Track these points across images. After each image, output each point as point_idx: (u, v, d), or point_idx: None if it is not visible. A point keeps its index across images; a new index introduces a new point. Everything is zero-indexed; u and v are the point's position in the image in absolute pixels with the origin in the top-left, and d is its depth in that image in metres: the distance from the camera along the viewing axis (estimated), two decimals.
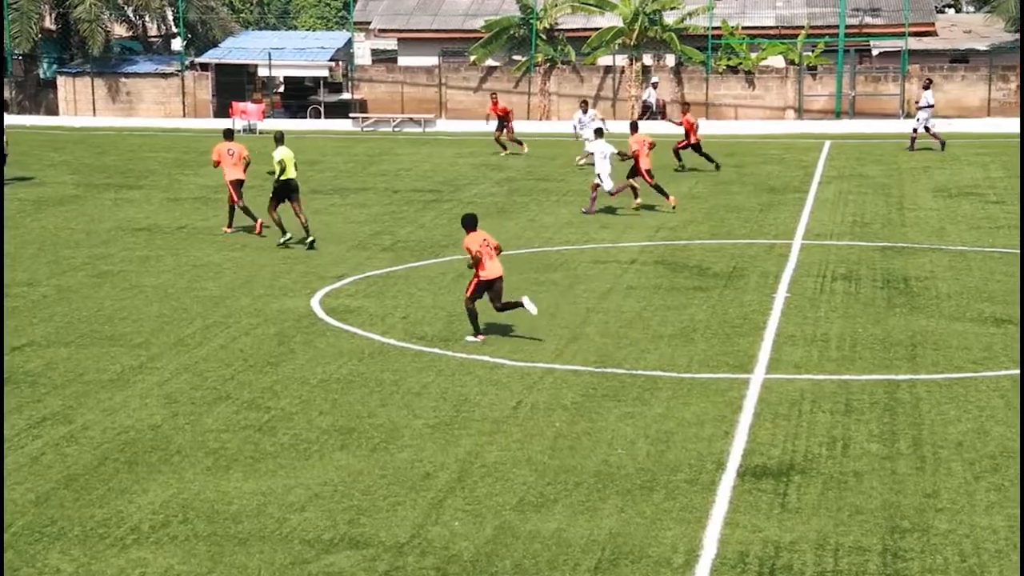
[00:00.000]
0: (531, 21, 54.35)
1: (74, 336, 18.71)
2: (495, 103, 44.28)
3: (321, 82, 56.39)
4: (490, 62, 56.00)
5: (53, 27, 60.32)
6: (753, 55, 53.89)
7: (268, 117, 53.11)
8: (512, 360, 17.29)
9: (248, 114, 52.05)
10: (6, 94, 57.33)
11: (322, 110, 55.56)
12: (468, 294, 18.36)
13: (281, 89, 58.43)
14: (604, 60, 55.09)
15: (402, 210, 30.77)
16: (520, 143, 42.83)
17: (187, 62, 56.92)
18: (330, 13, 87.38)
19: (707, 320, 19.52)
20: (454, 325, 19.26)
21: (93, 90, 56.76)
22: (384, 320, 19.71)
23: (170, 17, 64.01)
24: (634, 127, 31.86)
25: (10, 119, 55.12)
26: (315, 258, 24.60)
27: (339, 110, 55.11)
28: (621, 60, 54.52)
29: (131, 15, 62.10)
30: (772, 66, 54.06)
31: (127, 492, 12.51)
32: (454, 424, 14.59)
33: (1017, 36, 54.38)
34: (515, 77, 54.77)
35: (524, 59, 54.64)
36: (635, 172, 30.25)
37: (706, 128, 51.14)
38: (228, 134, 27.87)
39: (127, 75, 57.15)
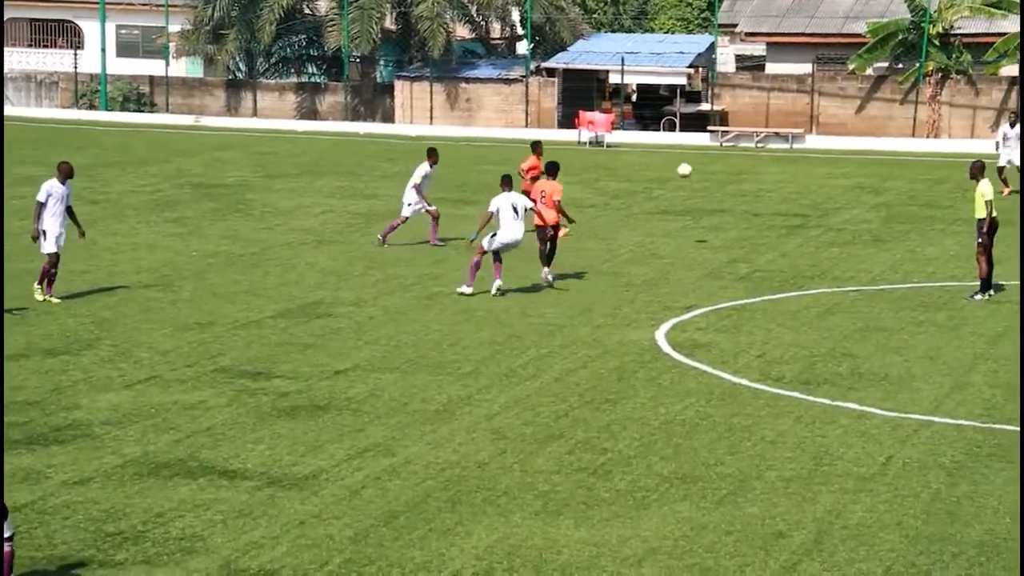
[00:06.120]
0: (923, 25, 53.20)
1: (400, 362, 19.42)
2: None
3: (678, 91, 56.71)
4: (871, 71, 55.10)
5: (394, 27, 62.74)
6: None
7: (617, 129, 53.77)
8: (883, 409, 16.99)
9: (596, 125, 52.80)
10: (343, 98, 60.01)
11: (677, 122, 55.86)
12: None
13: (633, 98, 59.08)
14: (1007, 70, 53.34)
15: (762, 235, 30.64)
16: None
17: (533, 67, 58.23)
18: (692, 14, 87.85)
19: None
20: (817, 367, 19.08)
21: (431, 96, 58.75)
22: (737, 358, 19.68)
23: (516, 18, 65.63)
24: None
25: (344, 126, 57.72)
26: (662, 286, 24.78)
27: (696, 122, 55.27)
28: None
29: (474, 15, 63.96)
30: None
31: (449, 533, 12.91)
32: (813, 478, 14.44)
33: None
34: (901, 88, 53.73)
35: (911, 68, 53.52)
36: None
37: None
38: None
39: (468, 80, 58.88)
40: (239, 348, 20.01)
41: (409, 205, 28.55)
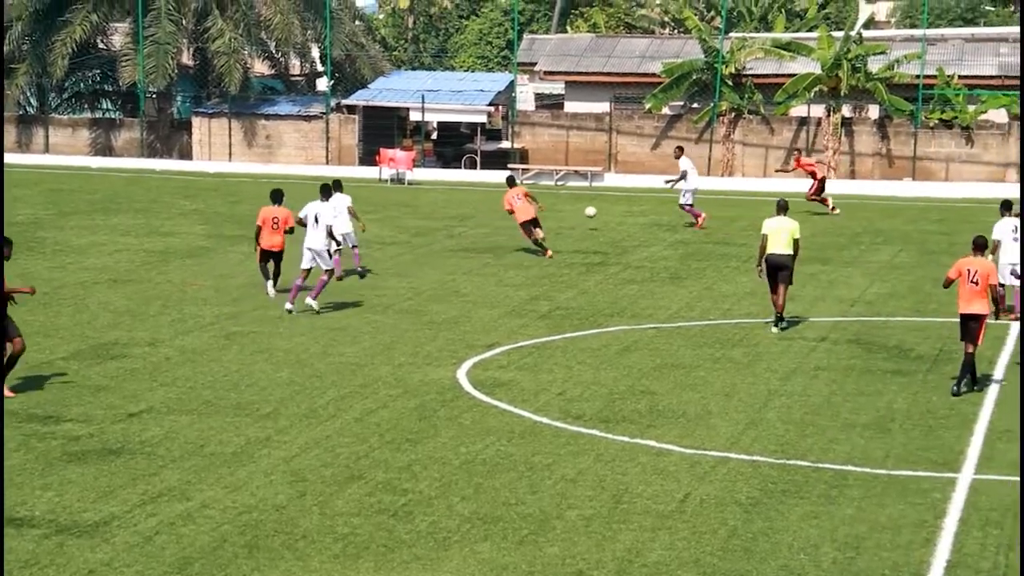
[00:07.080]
0: (716, 66, 54.32)
1: (197, 403, 19.07)
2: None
3: (478, 129, 56.99)
4: (667, 110, 56.08)
5: (191, 63, 62.01)
6: (971, 108, 53.06)
7: (418, 167, 53.81)
8: (680, 447, 17.16)
9: (397, 162, 52.78)
10: (139, 134, 59.09)
11: (478, 160, 56.10)
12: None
13: (434, 136, 59.21)
14: (797, 110, 54.75)
15: (562, 273, 30.86)
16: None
17: (333, 104, 57.98)
18: (491, 53, 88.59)
19: (907, 409, 19.15)
20: (616, 404, 19.21)
21: (230, 133, 58.14)
22: (537, 396, 19.72)
23: (315, 54, 65.37)
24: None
25: (139, 162, 56.80)
26: (463, 324, 24.77)
27: (497, 160, 55.57)
28: (817, 110, 54.12)
29: (273, 51, 63.54)
30: (992, 120, 53.18)
31: None
32: (613, 517, 14.50)
33: None
34: (696, 127, 54.75)
35: (706, 107, 54.59)
36: None
37: (911, 189, 50.49)
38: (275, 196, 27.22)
39: (267, 117, 58.41)
40: (28, 390, 19.44)
41: (348, 234, 28.81)
